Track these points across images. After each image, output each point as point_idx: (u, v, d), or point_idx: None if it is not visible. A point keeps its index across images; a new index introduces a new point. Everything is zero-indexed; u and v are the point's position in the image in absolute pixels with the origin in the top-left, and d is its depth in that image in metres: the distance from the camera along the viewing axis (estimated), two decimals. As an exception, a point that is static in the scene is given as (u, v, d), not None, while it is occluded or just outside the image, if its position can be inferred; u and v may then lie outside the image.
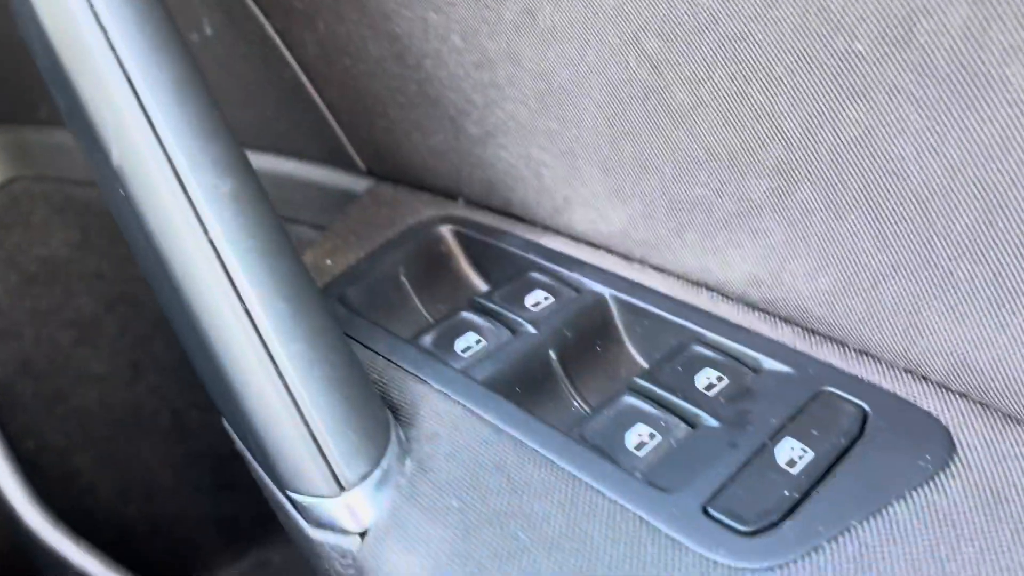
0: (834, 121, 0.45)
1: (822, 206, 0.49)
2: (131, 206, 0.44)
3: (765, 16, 0.44)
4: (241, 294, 0.45)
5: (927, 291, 0.47)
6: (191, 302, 0.45)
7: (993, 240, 0.42)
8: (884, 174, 0.45)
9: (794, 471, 0.46)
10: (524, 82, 0.60)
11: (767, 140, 0.49)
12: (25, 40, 0.44)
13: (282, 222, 0.48)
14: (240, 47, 0.81)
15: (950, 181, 0.42)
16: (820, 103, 0.45)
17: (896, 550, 0.41)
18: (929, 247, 0.45)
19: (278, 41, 0.78)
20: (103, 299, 1.21)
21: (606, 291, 0.63)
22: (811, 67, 0.44)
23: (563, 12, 0.54)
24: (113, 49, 0.42)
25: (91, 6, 0.41)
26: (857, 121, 0.44)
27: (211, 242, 0.44)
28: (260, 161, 0.94)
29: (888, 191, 0.45)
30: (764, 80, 0.47)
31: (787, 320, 0.56)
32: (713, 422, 0.51)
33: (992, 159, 0.40)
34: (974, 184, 0.41)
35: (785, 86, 0.46)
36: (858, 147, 0.45)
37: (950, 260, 0.45)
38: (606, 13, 0.52)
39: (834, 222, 0.49)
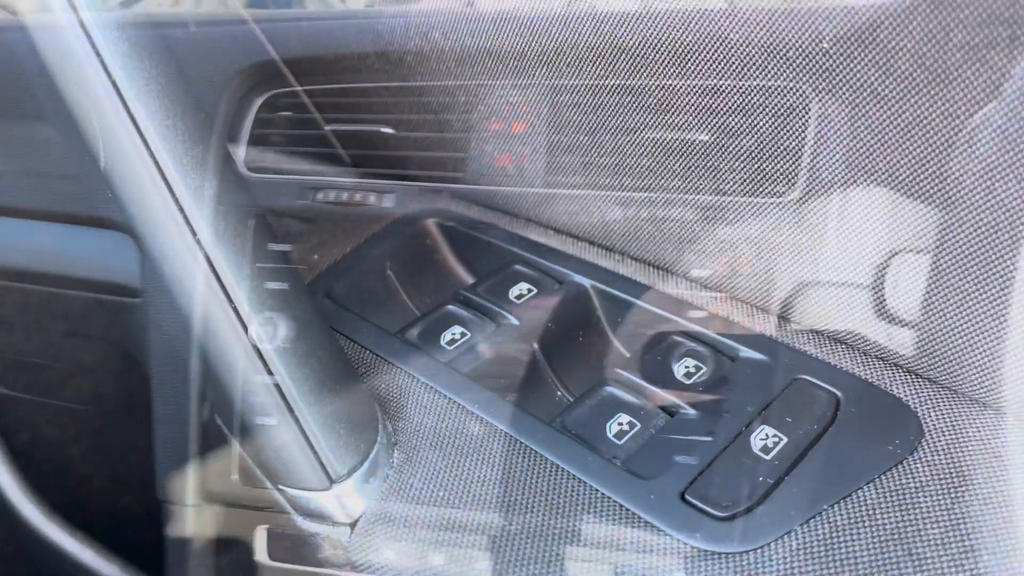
0: (803, 115, 0.46)
1: (793, 197, 0.50)
2: (120, 207, 0.45)
3: (735, 14, 0.45)
4: (228, 292, 0.46)
5: (894, 279, 0.48)
6: (179, 300, 0.46)
7: (956, 230, 0.44)
8: (850, 166, 0.46)
9: (768, 457, 0.48)
10: (505, 77, 0.61)
11: (739, 133, 0.50)
12: (11, 45, 0.45)
13: (268, 219, 0.49)
14: (223, 42, 0.81)
15: (913, 173, 0.43)
16: (789, 98, 0.46)
17: (865, 532, 0.43)
18: (895, 237, 0.46)
19: (260, 35, 0.78)
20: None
21: (588, 282, 0.64)
22: (781, 63, 0.45)
23: (543, 9, 0.55)
24: (97, 53, 0.42)
25: (74, 9, 0.41)
26: (824, 115, 0.45)
27: (199, 243, 0.45)
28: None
29: (854, 182, 0.46)
30: (736, 75, 0.48)
31: (763, 309, 0.58)
32: (691, 411, 0.52)
33: (953, 153, 0.41)
34: (936, 177, 0.43)
35: (756, 81, 0.47)
36: (825, 140, 0.46)
37: (916, 251, 0.46)
38: (585, 10, 0.53)
39: (805, 213, 0.50)
